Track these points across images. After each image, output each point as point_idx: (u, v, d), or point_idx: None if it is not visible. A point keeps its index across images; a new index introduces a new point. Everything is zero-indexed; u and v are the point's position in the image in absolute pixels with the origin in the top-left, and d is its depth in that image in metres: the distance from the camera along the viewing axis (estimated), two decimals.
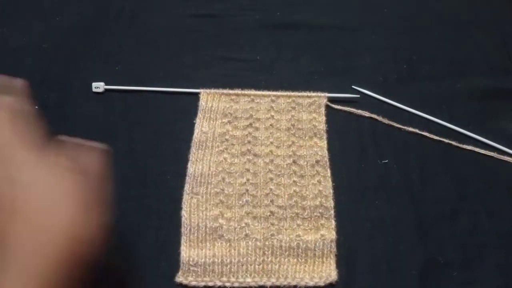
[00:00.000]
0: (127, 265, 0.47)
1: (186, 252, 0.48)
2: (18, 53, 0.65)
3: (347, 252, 0.48)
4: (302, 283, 0.46)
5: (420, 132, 0.57)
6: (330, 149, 0.55)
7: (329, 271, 0.47)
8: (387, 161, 0.55)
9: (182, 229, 0.49)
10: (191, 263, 0.47)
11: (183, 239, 0.48)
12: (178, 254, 0.48)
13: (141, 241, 0.49)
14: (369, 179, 0.53)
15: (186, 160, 0.54)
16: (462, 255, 0.48)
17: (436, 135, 0.57)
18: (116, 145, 0.56)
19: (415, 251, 0.48)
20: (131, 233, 0.49)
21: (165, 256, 0.48)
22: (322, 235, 0.49)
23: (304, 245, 0.48)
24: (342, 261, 0.48)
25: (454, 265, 0.47)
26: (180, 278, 0.46)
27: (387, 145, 0.56)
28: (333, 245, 0.48)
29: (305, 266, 0.47)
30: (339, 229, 0.49)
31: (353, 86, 0.61)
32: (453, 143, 0.56)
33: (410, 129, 0.57)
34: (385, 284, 0.47)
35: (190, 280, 0.46)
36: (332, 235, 0.48)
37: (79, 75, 0.62)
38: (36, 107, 0.58)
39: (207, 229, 0.49)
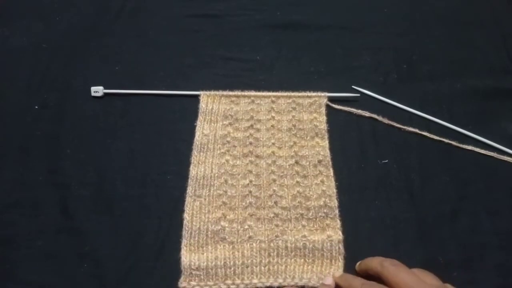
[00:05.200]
0: (126, 265, 0.47)
1: (187, 256, 0.47)
2: (18, 53, 0.65)
3: (347, 252, 0.48)
4: (310, 284, 0.45)
5: (420, 132, 0.57)
6: (330, 149, 0.55)
7: (338, 273, 0.46)
8: (387, 161, 0.55)
9: (183, 233, 0.49)
10: (192, 267, 0.46)
11: (183, 243, 0.48)
12: (179, 256, 0.47)
13: (141, 240, 0.49)
14: (369, 179, 0.53)
15: (186, 161, 0.54)
16: (462, 255, 0.48)
17: (436, 135, 0.57)
18: (116, 145, 0.56)
19: (415, 251, 0.48)
20: (131, 232, 0.49)
21: (165, 256, 0.48)
22: (329, 236, 0.48)
23: (311, 245, 0.48)
24: None
25: (454, 265, 0.48)
26: (182, 284, 0.45)
27: (387, 145, 0.56)
28: (341, 246, 0.48)
29: (313, 267, 0.47)
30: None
31: (353, 86, 0.61)
32: (453, 143, 0.56)
33: (410, 129, 0.57)
34: None
35: (193, 284, 0.46)
36: (339, 235, 0.48)
37: (79, 75, 0.62)
38: (36, 107, 0.59)
39: (209, 232, 0.49)
